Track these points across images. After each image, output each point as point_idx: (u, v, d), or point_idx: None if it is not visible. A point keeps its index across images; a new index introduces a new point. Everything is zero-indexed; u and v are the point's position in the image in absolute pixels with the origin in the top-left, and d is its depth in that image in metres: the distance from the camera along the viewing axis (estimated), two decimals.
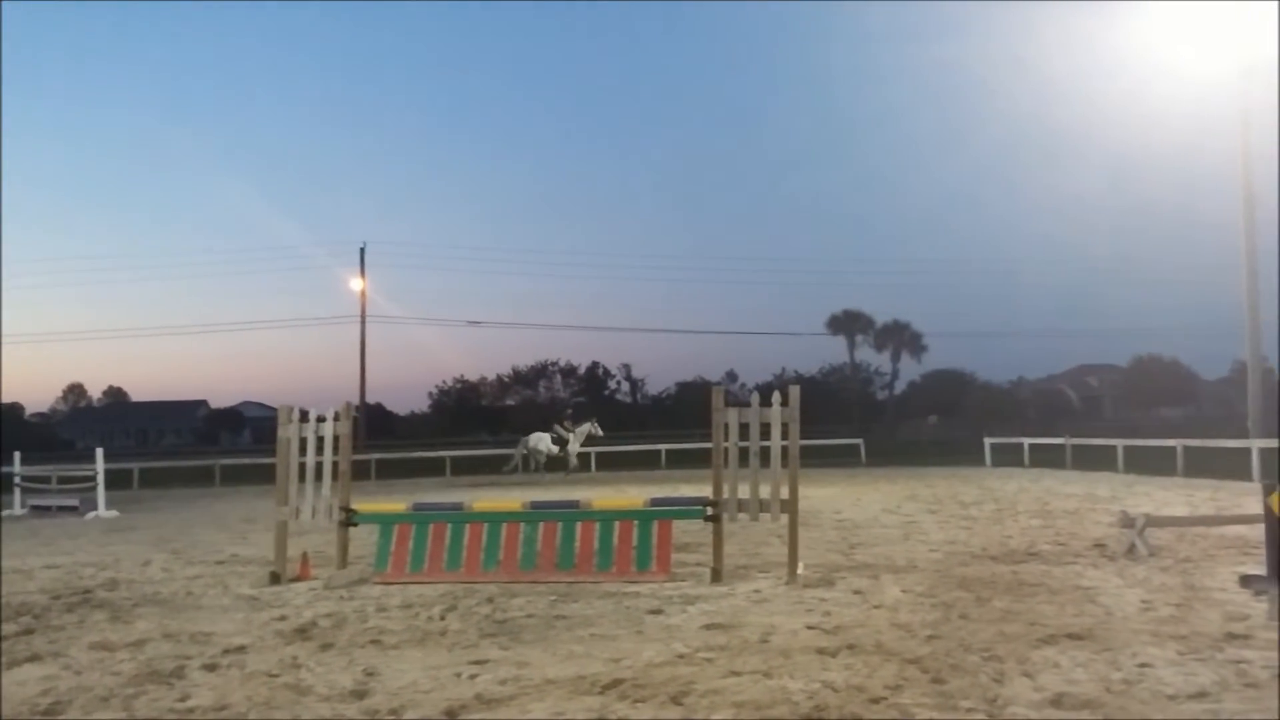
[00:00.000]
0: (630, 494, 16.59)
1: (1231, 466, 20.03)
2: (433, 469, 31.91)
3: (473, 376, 72.68)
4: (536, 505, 8.66)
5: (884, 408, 70.43)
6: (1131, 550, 8.71)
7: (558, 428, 27.01)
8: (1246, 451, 20.60)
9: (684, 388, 66.53)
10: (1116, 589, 7.07)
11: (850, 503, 15.83)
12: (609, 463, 31.94)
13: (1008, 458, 29.19)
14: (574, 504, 8.57)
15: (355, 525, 8.80)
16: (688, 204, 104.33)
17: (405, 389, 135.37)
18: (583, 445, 27.12)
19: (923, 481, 21.24)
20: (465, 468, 31.60)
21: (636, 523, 8.14)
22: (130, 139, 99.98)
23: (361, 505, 9.10)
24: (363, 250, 43.51)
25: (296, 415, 8.71)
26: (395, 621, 6.42)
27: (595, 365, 71.45)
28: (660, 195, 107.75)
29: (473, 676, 4.91)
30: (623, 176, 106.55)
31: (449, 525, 8.36)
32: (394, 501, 11.85)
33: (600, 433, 27.42)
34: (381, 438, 51.13)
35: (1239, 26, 24.77)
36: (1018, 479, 21.73)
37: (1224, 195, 25.21)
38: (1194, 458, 23.06)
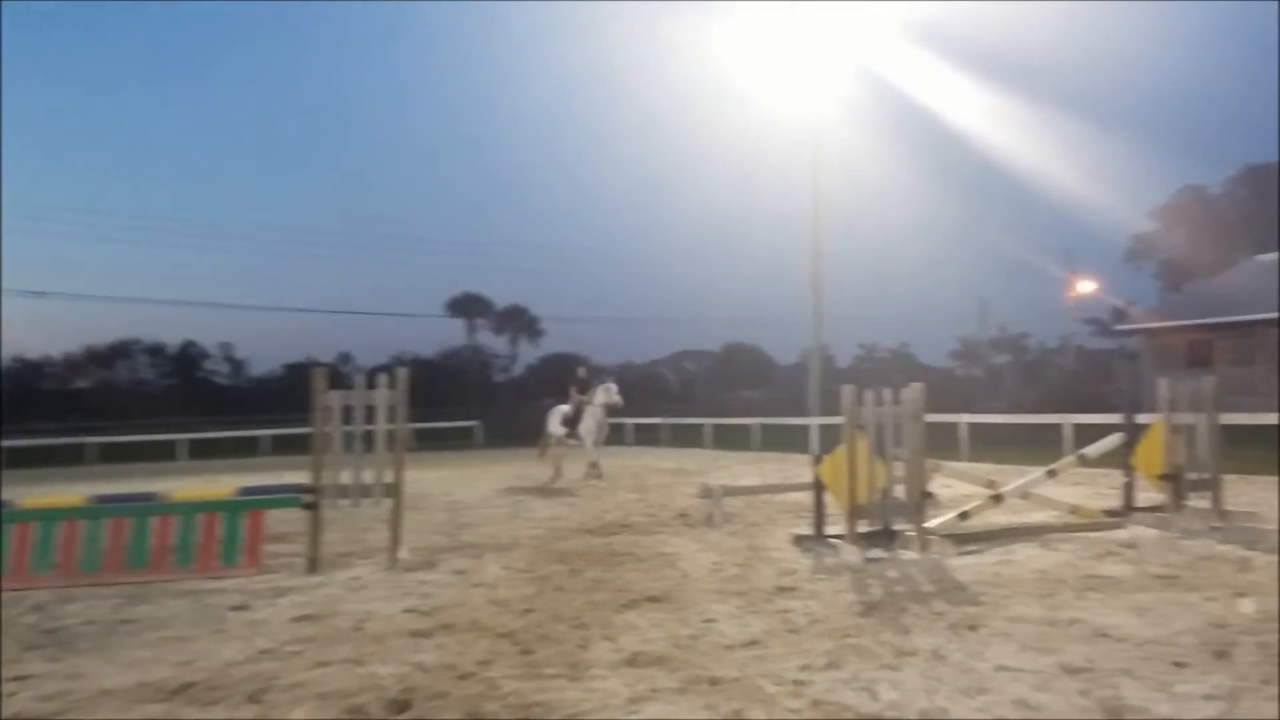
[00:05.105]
0: (223, 483, 15.39)
1: (798, 441, 22.92)
2: None
3: (34, 355, 63.21)
4: (103, 499, 7.75)
5: (502, 390, 71.72)
6: (710, 518, 9.63)
7: (578, 396, 16.56)
8: (808, 427, 23.68)
9: (292, 369, 62.87)
10: (693, 554, 7.79)
11: (462, 484, 15.96)
12: (203, 451, 29.48)
13: (613, 437, 30.98)
14: (149, 496, 7.78)
15: None
16: (300, 174, 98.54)
17: None
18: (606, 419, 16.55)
19: (535, 462, 21.91)
20: (22, 460, 27.53)
21: (223, 514, 7.57)
22: None
23: None
24: None
25: None
26: None
27: (189, 344, 65.33)
28: (267, 161, 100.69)
29: (10, 694, 4.28)
30: (225, 136, 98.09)
31: None
32: None
33: (620, 400, 16.30)
34: None
35: (816, 53, 28.27)
36: (620, 456, 23.16)
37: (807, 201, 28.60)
38: (768, 434, 26.09)
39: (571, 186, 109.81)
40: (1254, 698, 3.77)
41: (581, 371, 17.55)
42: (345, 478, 7.75)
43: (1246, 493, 10.91)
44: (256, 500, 7.80)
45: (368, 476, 7.78)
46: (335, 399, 7.79)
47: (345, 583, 6.89)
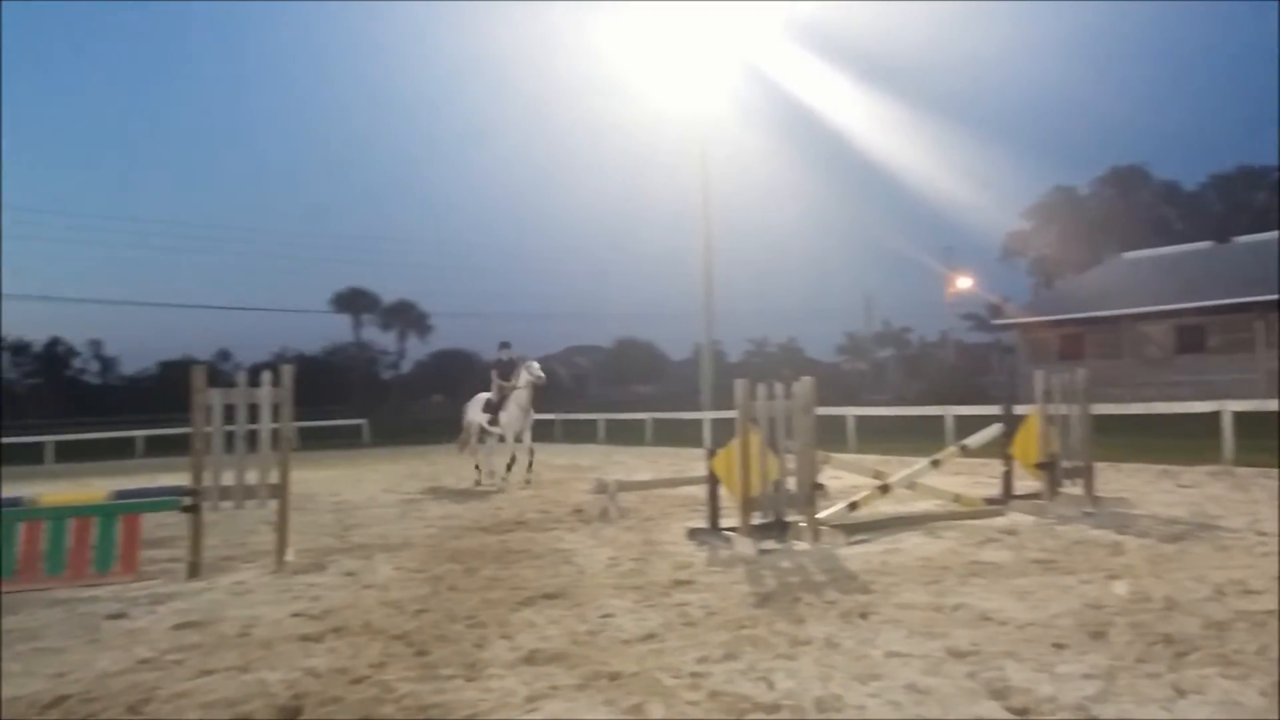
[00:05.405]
0: (95, 486, 14.65)
1: (690, 435, 23.14)
2: None
3: None
4: None
5: (390, 387, 70.36)
6: (605, 513, 9.63)
7: (499, 381, 14.42)
8: (700, 421, 23.94)
9: (168, 367, 60.33)
10: (589, 549, 7.77)
11: (350, 484, 15.55)
12: (72, 453, 27.97)
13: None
14: (15, 501, 7.31)
15: None
16: (176, 166, 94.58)
17: None
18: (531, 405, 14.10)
19: (425, 460, 21.55)
20: None
21: (97, 519, 7.18)
22: None
23: None
24: None
25: None
26: None
27: (54, 341, 62.06)
28: (139, 152, 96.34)
29: None
30: (92, 126, 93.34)
31: None
32: None
33: (543, 376, 14.05)
34: None
35: (702, 50, 28.56)
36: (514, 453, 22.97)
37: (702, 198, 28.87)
38: (661, 428, 26.26)
39: (460, 181, 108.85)
40: (1129, 676, 3.97)
41: (503, 354, 14.76)
42: (227, 479, 7.45)
43: (1116, 479, 11.52)
44: (132, 504, 7.43)
45: (251, 477, 7.50)
46: (216, 397, 7.48)
47: (229, 588, 6.63)
